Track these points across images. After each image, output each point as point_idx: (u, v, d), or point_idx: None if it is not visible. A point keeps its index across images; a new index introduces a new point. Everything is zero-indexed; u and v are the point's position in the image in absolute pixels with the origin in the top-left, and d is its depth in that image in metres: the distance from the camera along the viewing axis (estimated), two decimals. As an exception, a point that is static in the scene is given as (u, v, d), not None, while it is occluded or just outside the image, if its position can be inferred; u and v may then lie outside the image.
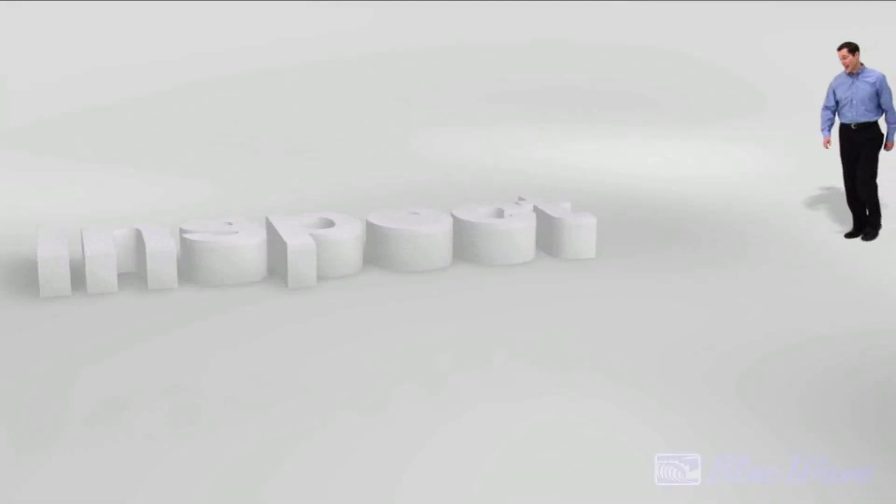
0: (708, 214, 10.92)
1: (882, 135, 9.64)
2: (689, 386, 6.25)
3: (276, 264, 8.41)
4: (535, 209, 9.42)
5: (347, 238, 8.51)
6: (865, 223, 9.80)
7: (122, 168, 11.69)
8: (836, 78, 9.78)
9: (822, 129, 9.91)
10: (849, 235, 9.81)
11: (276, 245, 8.40)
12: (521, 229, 8.97)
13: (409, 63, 13.98)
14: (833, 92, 9.75)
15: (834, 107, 9.76)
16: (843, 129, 9.73)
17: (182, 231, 8.43)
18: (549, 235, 9.19)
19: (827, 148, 9.98)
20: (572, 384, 6.26)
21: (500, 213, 9.30)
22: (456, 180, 12.13)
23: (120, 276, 8.21)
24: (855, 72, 9.55)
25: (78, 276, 8.14)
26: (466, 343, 6.95)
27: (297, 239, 8.17)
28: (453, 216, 9.06)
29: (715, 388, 6.23)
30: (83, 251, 8.07)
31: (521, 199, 9.90)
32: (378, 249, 8.79)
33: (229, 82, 13.27)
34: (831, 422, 5.79)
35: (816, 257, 9.19)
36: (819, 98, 10.14)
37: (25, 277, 8.25)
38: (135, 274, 8.38)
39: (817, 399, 6.09)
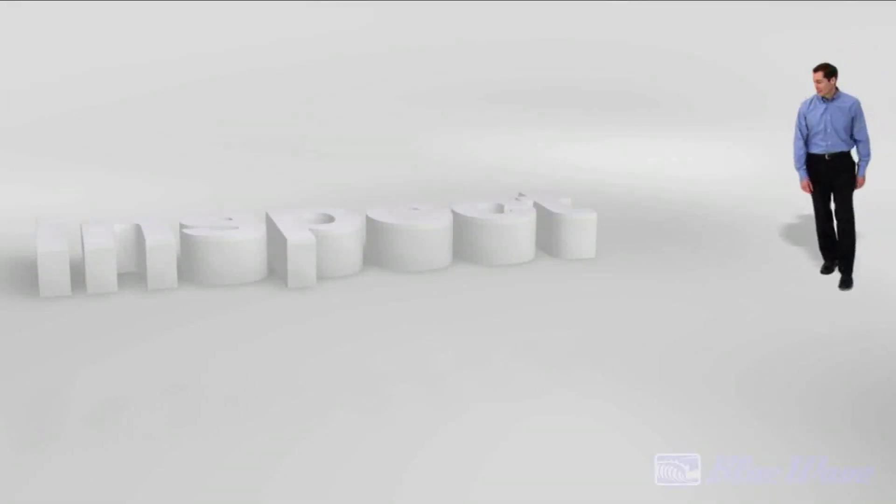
0: (708, 214, 10.92)
1: (854, 164, 8.55)
2: (689, 386, 6.25)
3: (276, 259, 8.41)
4: (535, 205, 9.41)
5: (347, 233, 8.51)
6: (836, 255, 8.72)
7: (122, 168, 11.69)
8: (806, 103, 8.60)
9: (799, 168, 8.63)
10: (825, 270, 8.78)
11: (275, 240, 8.39)
12: (521, 224, 8.96)
13: (409, 63, 13.95)
14: (804, 119, 8.55)
15: (806, 136, 8.58)
16: (814, 160, 8.53)
17: (182, 226, 8.43)
18: (549, 231, 9.19)
19: (807, 191, 8.69)
20: (572, 384, 6.26)
21: (499, 209, 9.30)
22: (456, 180, 12.13)
23: (120, 275, 8.21)
24: (830, 96, 8.44)
25: (77, 273, 8.14)
26: (466, 343, 6.95)
27: (296, 234, 8.17)
28: (453, 212, 9.06)
29: (715, 388, 6.23)
30: (83, 246, 8.08)
31: (521, 194, 9.89)
32: (378, 245, 8.79)
33: (229, 82, 13.25)
34: (831, 422, 5.79)
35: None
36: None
37: (25, 277, 8.25)
38: (135, 274, 8.38)
39: (817, 399, 6.09)
